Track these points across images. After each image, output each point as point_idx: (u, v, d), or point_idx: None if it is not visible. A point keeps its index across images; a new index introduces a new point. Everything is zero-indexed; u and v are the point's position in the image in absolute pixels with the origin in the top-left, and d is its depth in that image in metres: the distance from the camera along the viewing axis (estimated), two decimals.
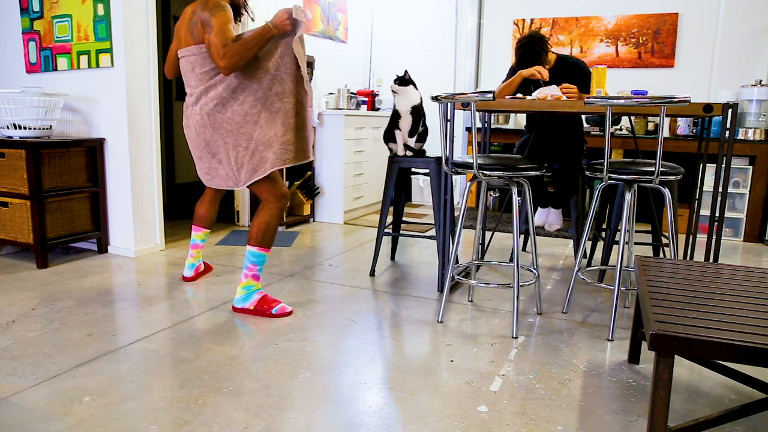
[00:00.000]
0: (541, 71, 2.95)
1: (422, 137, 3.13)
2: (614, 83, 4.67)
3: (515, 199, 2.36)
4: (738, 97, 4.37)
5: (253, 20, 2.64)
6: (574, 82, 2.99)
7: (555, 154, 3.16)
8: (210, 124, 2.31)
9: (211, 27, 2.22)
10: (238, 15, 2.51)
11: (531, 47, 2.98)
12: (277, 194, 2.40)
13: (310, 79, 4.39)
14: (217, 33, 2.19)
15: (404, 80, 3.04)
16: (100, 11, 3.18)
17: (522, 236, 3.75)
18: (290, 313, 2.46)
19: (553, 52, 3.16)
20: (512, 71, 3.19)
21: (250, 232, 2.41)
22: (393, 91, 3.05)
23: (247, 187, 2.39)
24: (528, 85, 3.11)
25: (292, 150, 2.38)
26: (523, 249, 3.79)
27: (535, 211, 3.38)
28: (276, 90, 2.33)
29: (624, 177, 2.38)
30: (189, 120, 2.37)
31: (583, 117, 4.73)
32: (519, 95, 2.94)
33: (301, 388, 1.80)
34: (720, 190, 2.47)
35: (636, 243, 3.46)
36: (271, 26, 2.25)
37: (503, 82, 3.10)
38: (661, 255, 3.21)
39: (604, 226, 3.32)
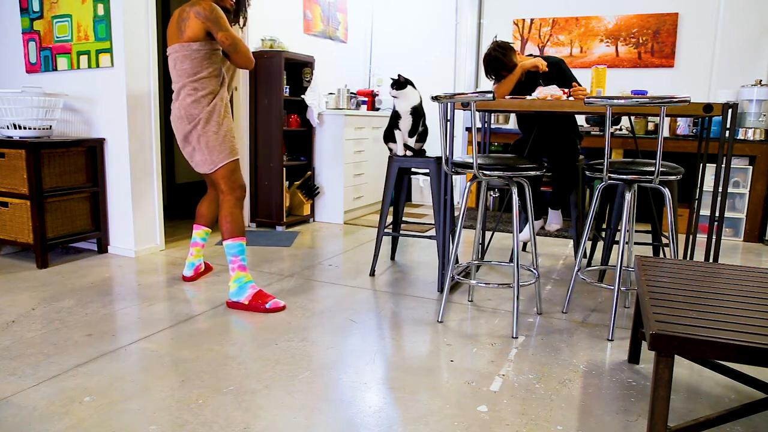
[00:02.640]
0: (540, 63, 3.06)
1: (422, 137, 3.13)
2: (614, 83, 4.67)
3: (515, 199, 2.36)
4: (738, 97, 4.37)
5: (242, 27, 2.70)
6: (555, 80, 3.08)
7: (548, 151, 3.16)
8: (185, 117, 2.48)
9: (219, 25, 2.39)
10: (237, 18, 2.62)
11: (492, 61, 3.11)
12: (233, 185, 2.56)
13: (310, 80, 4.41)
14: (227, 29, 2.41)
15: (400, 83, 3.04)
16: (100, 11, 3.18)
17: None
18: (283, 307, 2.52)
19: (534, 55, 3.22)
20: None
21: (220, 229, 2.56)
22: (393, 96, 3.05)
23: (211, 174, 2.53)
24: (527, 87, 3.12)
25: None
26: (523, 249, 3.79)
27: (524, 226, 3.38)
28: (226, 91, 2.60)
29: (624, 177, 2.38)
30: (172, 113, 2.57)
31: (583, 116, 4.76)
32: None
33: (301, 388, 1.80)
34: (720, 190, 2.47)
35: (636, 243, 3.46)
36: None
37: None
38: (661, 255, 3.21)
39: (604, 226, 3.31)
